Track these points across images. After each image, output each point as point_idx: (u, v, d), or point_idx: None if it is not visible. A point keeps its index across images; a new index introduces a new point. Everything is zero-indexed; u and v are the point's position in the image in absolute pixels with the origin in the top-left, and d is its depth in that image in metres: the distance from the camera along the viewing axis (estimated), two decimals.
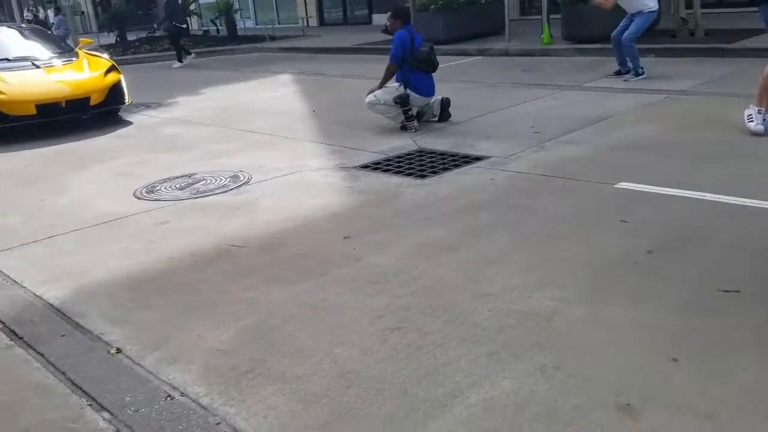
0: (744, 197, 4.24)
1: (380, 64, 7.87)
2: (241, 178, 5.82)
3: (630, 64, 8.80)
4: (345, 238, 4.25)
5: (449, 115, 7.38)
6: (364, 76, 10.44)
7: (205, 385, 2.73)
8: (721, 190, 4.41)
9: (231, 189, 5.53)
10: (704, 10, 11.65)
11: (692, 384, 2.48)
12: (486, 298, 3.27)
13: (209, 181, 5.83)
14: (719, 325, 2.86)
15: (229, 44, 19.76)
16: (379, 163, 5.94)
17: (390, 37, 7.38)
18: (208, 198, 5.35)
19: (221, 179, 5.84)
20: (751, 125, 5.73)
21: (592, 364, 2.66)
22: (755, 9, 6.65)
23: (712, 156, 5.22)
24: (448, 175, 5.40)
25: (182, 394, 2.68)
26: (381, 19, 20.22)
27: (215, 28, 23.06)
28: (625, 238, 3.86)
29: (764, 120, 5.73)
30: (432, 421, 2.41)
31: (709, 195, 4.36)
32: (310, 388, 2.67)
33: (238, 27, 21.69)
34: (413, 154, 6.18)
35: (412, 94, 7.00)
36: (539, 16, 13.76)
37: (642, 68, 8.73)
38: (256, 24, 25.40)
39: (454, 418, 2.41)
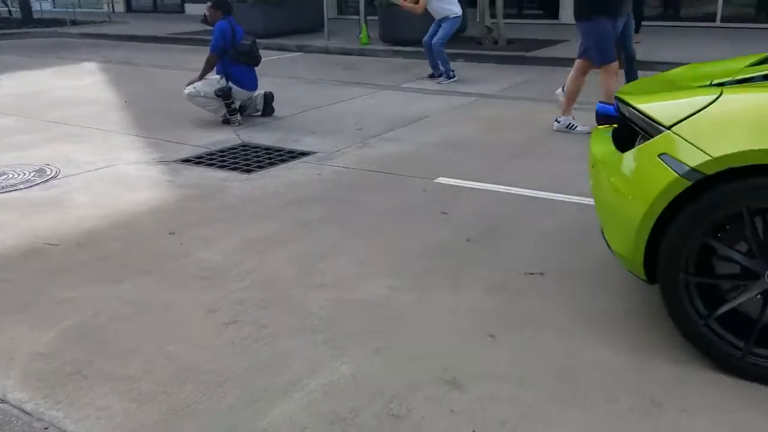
0: (547, 191, 4.72)
1: (197, 55, 7.68)
2: (48, 172, 5.40)
3: (441, 68, 9.33)
4: (170, 233, 4.12)
5: (273, 110, 7.37)
6: (180, 67, 10.09)
7: (27, 391, 2.54)
8: (528, 184, 4.87)
9: (37, 184, 5.12)
10: (507, 20, 12.67)
11: (507, 356, 2.75)
12: (320, 289, 3.36)
13: (11, 175, 5.34)
14: (528, 303, 3.19)
15: (23, 27, 18.01)
16: (201, 157, 5.79)
17: (209, 27, 7.21)
18: (10, 194, 4.91)
19: (25, 173, 5.38)
20: (580, 129, 6.26)
21: (422, 344, 2.85)
22: (553, 21, 7.36)
23: (519, 154, 5.73)
24: (274, 170, 5.41)
25: (1, 401, 2.47)
26: (194, 8, 19.60)
27: (6, 9, 20.92)
28: (446, 228, 4.14)
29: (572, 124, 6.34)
30: (273, 408, 2.44)
31: (517, 189, 4.79)
32: (144, 387, 2.58)
33: (33, 9, 19.84)
34: (237, 148, 6.11)
35: (235, 87, 6.89)
36: (356, 16, 14.13)
37: (453, 72, 9.29)
38: (54, 7, 23.39)
39: (295, 404, 2.46)
